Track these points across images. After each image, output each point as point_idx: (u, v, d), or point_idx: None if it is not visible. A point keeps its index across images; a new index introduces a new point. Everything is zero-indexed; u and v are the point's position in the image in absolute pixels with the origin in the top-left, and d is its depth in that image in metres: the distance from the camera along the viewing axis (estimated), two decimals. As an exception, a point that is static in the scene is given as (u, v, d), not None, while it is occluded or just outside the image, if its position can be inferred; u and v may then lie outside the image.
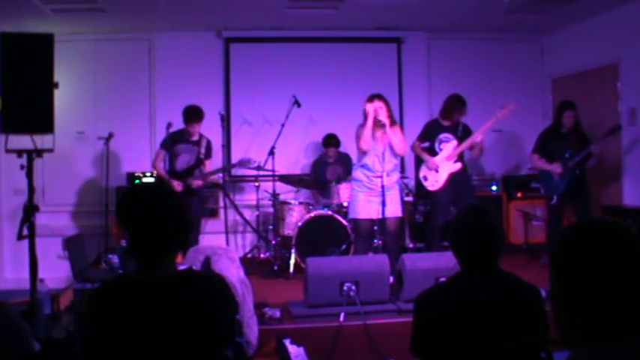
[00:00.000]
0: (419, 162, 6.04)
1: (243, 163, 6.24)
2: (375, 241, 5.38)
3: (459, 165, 5.75)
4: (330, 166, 6.86)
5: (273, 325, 4.18)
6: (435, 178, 5.76)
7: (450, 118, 5.84)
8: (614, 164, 6.51)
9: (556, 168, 5.93)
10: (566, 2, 6.27)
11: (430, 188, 5.82)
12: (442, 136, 5.82)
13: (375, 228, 5.36)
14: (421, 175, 5.90)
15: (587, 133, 6.05)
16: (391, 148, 5.32)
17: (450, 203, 5.76)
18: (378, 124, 5.29)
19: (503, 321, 2.18)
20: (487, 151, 6.14)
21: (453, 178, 5.73)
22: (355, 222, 5.48)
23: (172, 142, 6.06)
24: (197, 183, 6.04)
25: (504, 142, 7.67)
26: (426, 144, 5.87)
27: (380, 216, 5.21)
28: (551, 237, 6.23)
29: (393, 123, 5.35)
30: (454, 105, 5.84)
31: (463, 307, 2.19)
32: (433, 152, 5.82)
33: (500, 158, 7.67)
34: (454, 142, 5.75)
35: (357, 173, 5.42)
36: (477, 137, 5.66)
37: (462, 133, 5.79)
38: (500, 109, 5.70)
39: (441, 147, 5.80)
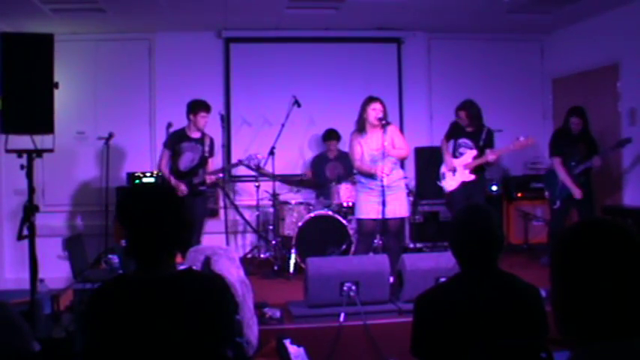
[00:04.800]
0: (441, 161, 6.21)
1: (251, 159, 6.21)
2: (375, 241, 5.38)
3: (472, 177, 5.88)
4: (330, 163, 6.87)
5: (273, 325, 4.18)
6: (451, 180, 5.97)
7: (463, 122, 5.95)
8: (615, 164, 6.51)
9: (577, 193, 5.80)
10: (566, 2, 6.27)
11: (445, 188, 6.04)
12: (462, 140, 5.96)
13: (377, 228, 5.35)
14: (441, 171, 6.10)
15: (596, 140, 6.01)
16: (385, 149, 5.22)
17: (464, 202, 5.82)
18: (376, 124, 5.27)
19: (503, 321, 2.18)
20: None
21: (465, 184, 5.91)
22: (359, 221, 5.49)
23: (175, 140, 5.99)
24: (210, 178, 6.04)
25: (504, 142, 7.64)
26: (451, 144, 6.06)
27: (380, 216, 5.21)
28: (552, 238, 6.22)
29: (386, 124, 5.25)
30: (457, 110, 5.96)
31: (463, 307, 2.19)
32: (453, 155, 6.03)
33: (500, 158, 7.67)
34: (474, 152, 5.86)
35: (359, 175, 5.44)
36: (489, 158, 5.74)
37: (485, 142, 5.84)
38: (518, 139, 5.72)
39: (461, 151, 5.94)
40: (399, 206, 5.28)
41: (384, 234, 5.33)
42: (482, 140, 5.84)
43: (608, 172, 6.51)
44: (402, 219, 5.43)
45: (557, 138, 6.13)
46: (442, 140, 6.19)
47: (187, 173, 5.99)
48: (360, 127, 5.34)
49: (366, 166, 5.27)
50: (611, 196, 6.58)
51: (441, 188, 6.13)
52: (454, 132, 6.04)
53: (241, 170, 6.84)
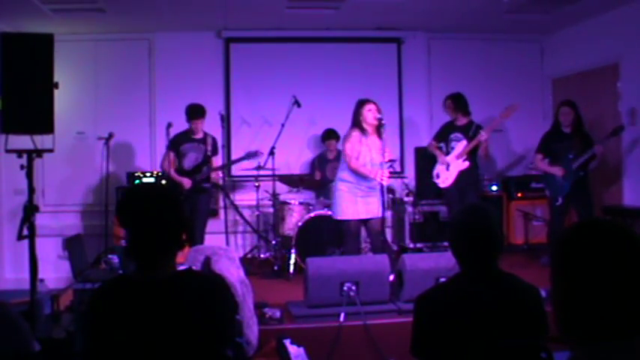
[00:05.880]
0: (434, 161, 6.30)
1: (251, 155, 6.25)
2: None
3: (467, 164, 5.96)
4: (330, 163, 6.86)
5: (273, 325, 4.18)
6: (446, 176, 6.05)
7: (452, 115, 6.18)
8: (615, 164, 6.51)
9: (557, 171, 5.95)
10: (566, 2, 6.27)
11: (441, 185, 6.11)
12: (454, 135, 6.11)
13: (362, 228, 5.36)
14: (434, 172, 6.17)
15: (589, 134, 6.04)
16: (376, 152, 5.22)
17: (460, 198, 5.92)
18: (375, 124, 5.26)
19: (503, 321, 2.18)
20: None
21: (460, 175, 5.97)
22: (345, 223, 5.32)
23: (178, 142, 6.14)
24: (217, 174, 6.18)
25: (504, 142, 7.67)
26: (441, 144, 6.19)
27: (374, 215, 5.20)
28: (552, 238, 6.23)
29: (381, 127, 5.23)
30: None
31: (463, 307, 2.19)
32: (446, 152, 6.13)
33: (500, 158, 7.67)
34: (464, 142, 5.99)
35: (345, 174, 5.30)
36: (482, 137, 5.83)
37: (474, 133, 5.96)
38: (502, 110, 5.92)
39: (453, 145, 6.07)
40: (379, 207, 5.22)
41: (369, 235, 5.36)
42: (472, 131, 5.97)
43: (607, 171, 6.52)
44: (381, 219, 5.31)
45: (548, 137, 6.18)
46: (430, 142, 6.33)
47: (191, 172, 6.12)
48: (360, 130, 5.30)
49: (365, 169, 5.21)
50: (611, 196, 6.58)
51: (438, 188, 6.20)
52: (445, 131, 6.19)
53: (241, 170, 6.84)
